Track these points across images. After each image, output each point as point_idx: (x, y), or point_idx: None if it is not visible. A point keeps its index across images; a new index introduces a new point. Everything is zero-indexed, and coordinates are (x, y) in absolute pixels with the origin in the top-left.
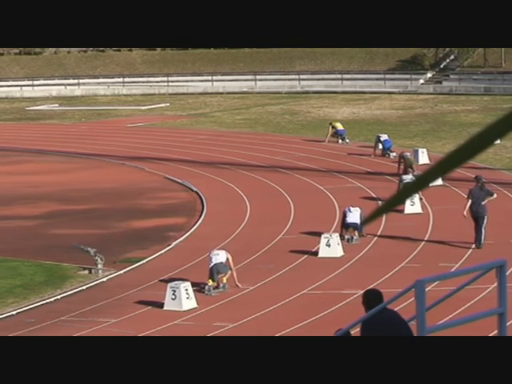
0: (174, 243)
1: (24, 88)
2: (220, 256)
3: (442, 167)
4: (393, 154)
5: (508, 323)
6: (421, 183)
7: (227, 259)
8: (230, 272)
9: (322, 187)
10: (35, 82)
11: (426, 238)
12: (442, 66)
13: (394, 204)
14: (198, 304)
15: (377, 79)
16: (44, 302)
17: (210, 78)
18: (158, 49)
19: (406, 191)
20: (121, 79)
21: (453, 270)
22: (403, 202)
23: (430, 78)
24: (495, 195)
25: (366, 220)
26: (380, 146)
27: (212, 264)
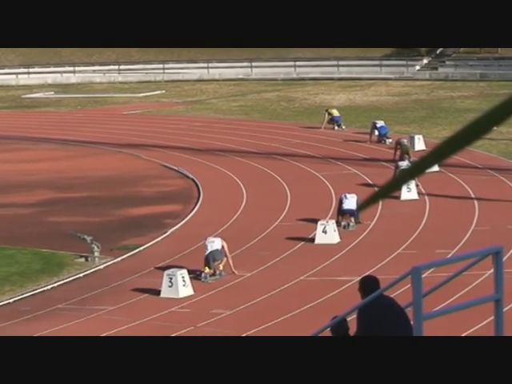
0: (170, 230)
1: (20, 76)
2: (215, 243)
3: (438, 153)
4: (389, 141)
5: (504, 309)
6: (417, 169)
7: (222, 246)
8: (225, 259)
9: (318, 174)
10: (31, 70)
11: (422, 225)
12: (437, 52)
13: (390, 190)
14: (194, 291)
15: (373, 65)
16: (41, 289)
17: (205, 65)
18: None
19: (403, 177)
20: (116, 67)
21: (449, 256)
22: (399, 188)
23: (426, 64)
24: None
25: (361, 206)
26: (376, 133)
27: (208, 251)
